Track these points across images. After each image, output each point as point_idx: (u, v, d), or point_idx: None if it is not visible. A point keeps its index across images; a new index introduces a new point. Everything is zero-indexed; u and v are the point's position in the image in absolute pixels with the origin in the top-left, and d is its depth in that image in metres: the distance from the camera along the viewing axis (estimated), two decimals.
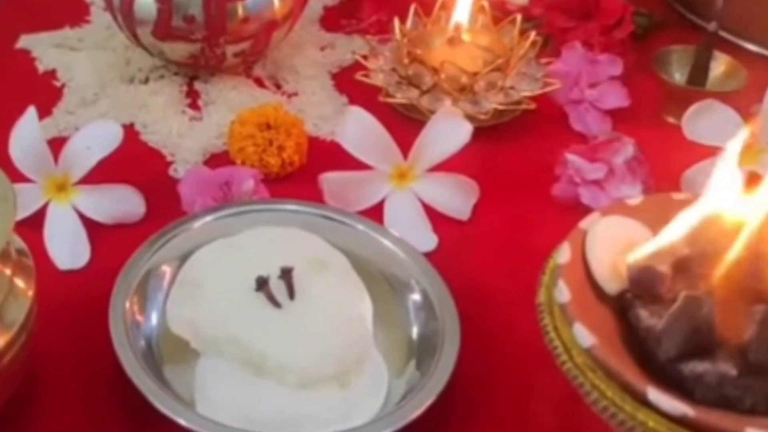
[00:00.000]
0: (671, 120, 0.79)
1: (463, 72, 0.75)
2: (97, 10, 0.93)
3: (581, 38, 0.83)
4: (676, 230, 0.49)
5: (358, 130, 0.68)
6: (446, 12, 0.83)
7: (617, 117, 0.78)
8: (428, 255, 0.63)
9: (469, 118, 0.72)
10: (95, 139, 0.67)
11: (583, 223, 0.52)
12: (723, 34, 0.84)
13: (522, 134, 0.77)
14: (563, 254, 0.50)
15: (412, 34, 0.81)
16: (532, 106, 0.76)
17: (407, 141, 0.69)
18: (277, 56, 0.86)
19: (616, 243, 0.51)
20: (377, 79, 0.78)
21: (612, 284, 0.50)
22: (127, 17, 0.80)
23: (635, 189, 0.67)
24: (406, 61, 0.77)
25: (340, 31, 0.92)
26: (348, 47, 0.89)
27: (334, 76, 0.86)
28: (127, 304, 0.56)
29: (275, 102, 0.80)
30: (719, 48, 0.81)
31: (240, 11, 0.78)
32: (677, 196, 0.55)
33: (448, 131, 0.68)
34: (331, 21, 0.94)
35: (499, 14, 0.88)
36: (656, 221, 0.52)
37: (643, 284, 0.48)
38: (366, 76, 0.79)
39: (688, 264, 0.49)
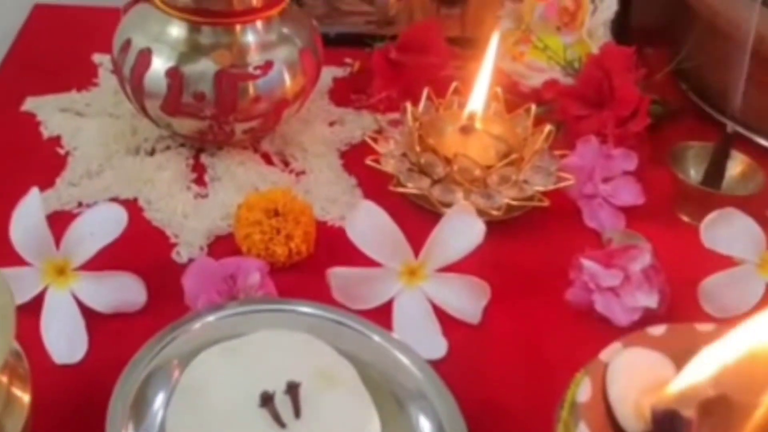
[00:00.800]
0: (686, 219, 0.76)
1: (477, 165, 0.72)
2: (106, 72, 0.91)
3: (595, 127, 0.81)
4: (702, 369, 0.47)
5: (368, 224, 0.65)
6: (459, 96, 0.80)
7: (631, 214, 0.75)
8: (437, 363, 0.60)
9: (481, 212, 0.70)
10: (99, 224, 0.64)
11: (604, 355, 0.50)
12: (739, 128, 0.82)
13: (534, 230, 0.74)
14: (583, 390, 0.48)
15: (423, 118, 0.78)
16: (546, 203, 0.73)
17: (418, 231, 0.67)
18: (285, 131, 0.84)
19: (639, 379, 0.48)
20: (388, 165, 0.76)
21: (634, 424, 0.47)
22: (136, 90, 0.77)
23: (652, 298, 0.64)
24: (418, 149, 0.74)
25: (349, 106, 0.89)
26: (357, 124, 0.87)
27: (343, 155, 0.83)
28: (126, 415, 0.52)
29: (283, 182, 0.78)
30: (736, 143, 0.79)
31: (251, 90, 0.76)
32: (702, 327, 0.52)
33: (461, 230, 0.65)
34: (340, 95, 0.91)
35: (511, 97, 0.85)
36: (680, 354, 0.49)
37: (668, 430, 0.45)
38: (376, 161, 0.76)
39: (714, 408, 0.46)
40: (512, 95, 0.87)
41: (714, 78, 0.87)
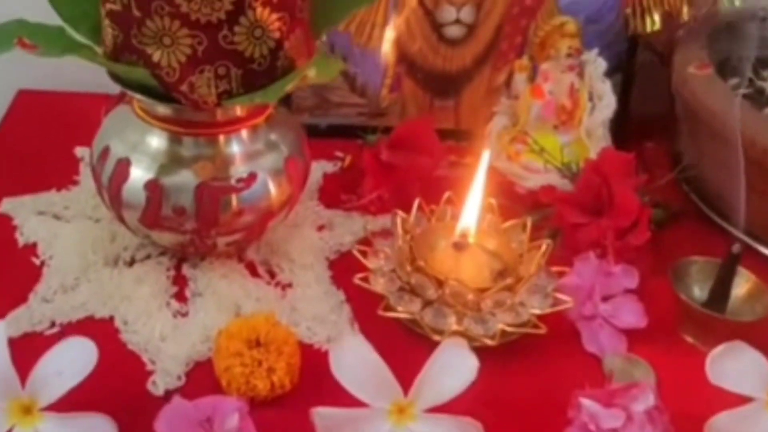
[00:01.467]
0: (690, 340, 0.72)
1: (469, 290, 0.68)
2: (87, 168, 0.86)
3: (594, 236, 0.77)
4: None
5: (354, 361, 0.61)
6: (452, 206, 0.76)
7: (633, 335, 0.71)
8: None
9: (474, 339, 0.66)
10: (68, 363, 0.60)
11: None
12: (743, 236, 0.78)
13: (530, 357, 0.69)
14: None
15: (415, 231, 0.74)
16: (543, 330, 0.69)
17: (408, 358, 0.62)
18: (271, 238, 0.79)
19: None
20: (377, 285, 0.71)
21: None
22: (114, 200, 0.73)
23: None
24: (408, 268, 0.70)
25: (339, 207, 0.85)
26: (347, 228, 0.83)
27: (332, 264, 0.79)
28: None
29: (268, 299, 0.74)
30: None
31: (234, 203, 0.72)
32: None
33: (453, 366, 0.61)
34: (330, 194, 0.87)
35: (507, 200, 0.82)
36: None
37: None
38: (365, 279, 0.72)
39: None
40: (508, 197, 0.84)
41: (716, 183, 0.83)
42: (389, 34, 0.92)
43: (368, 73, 0.94)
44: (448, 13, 0.91)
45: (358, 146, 0.91)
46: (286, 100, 0.89)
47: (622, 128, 0.92)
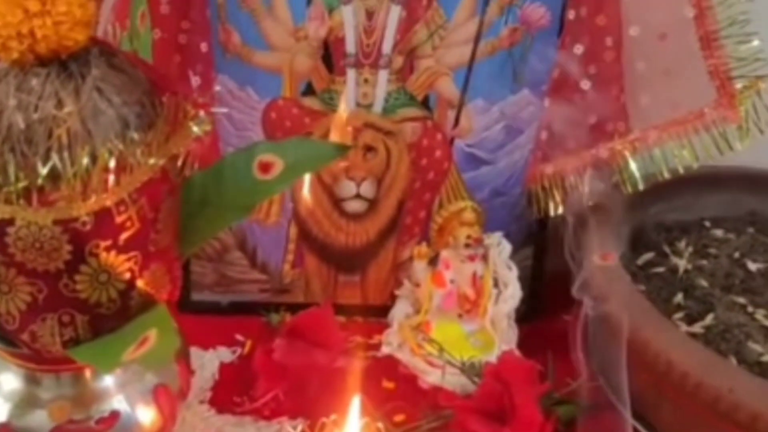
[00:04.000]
0: None
1: None
2: None
3: None
4: None
5: None
6: (338, 429, 0.69)
7: None
8: None
9: None
10: None
11: None
12: None
13: None
14: None
15: None
16: None
17: None
18: None
19: None
20: None
21: None
22: None
23: None
24: None
25: (229, 411, 0.78)
26: None
27: None
28: None
29: None
30: None
31: None
32: None
33: None
34: (224, 392, 0.80)
35: (407, 403, 0.75)
36: None
37: None
38: None
39: None
40: (411, 391, 0.78)
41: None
42: (294, 208, 0.86)
43: (268, 249, 0.87)
44: (347, 188, 0.84)
45: (262, 325, 0.85)
46: (183, 276, 0.82)
47: (537, 301, 0.86)
